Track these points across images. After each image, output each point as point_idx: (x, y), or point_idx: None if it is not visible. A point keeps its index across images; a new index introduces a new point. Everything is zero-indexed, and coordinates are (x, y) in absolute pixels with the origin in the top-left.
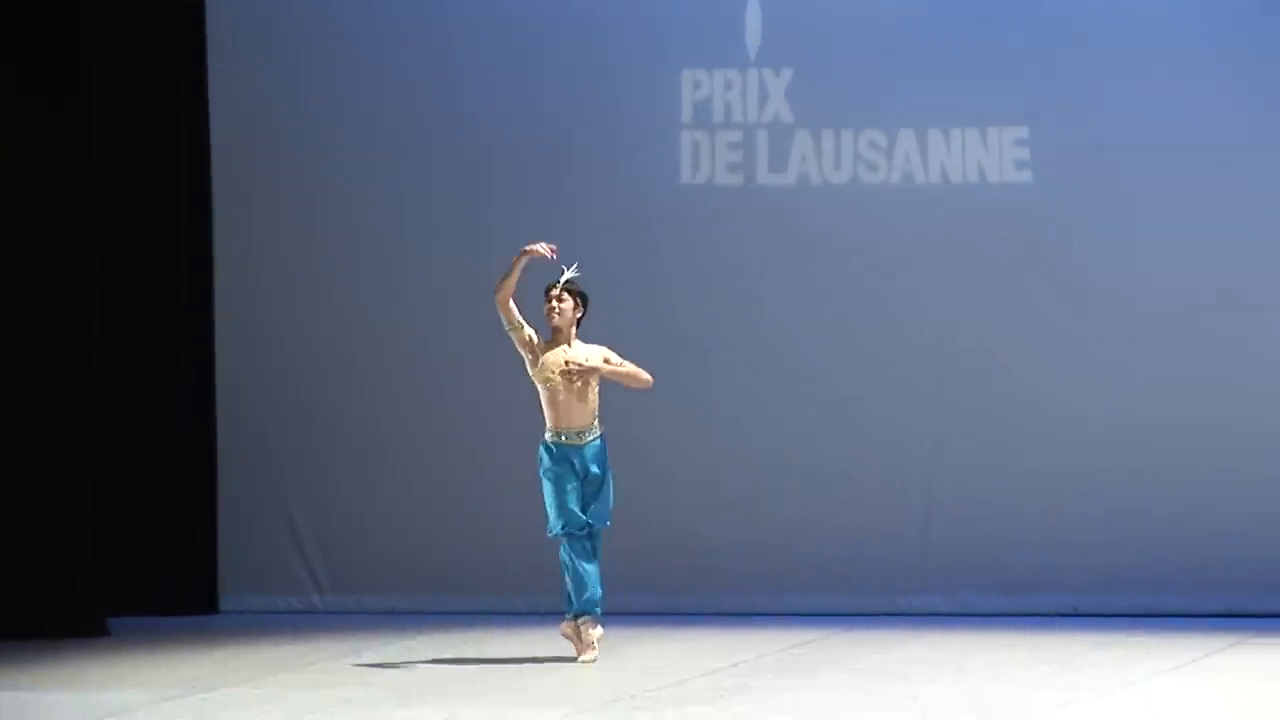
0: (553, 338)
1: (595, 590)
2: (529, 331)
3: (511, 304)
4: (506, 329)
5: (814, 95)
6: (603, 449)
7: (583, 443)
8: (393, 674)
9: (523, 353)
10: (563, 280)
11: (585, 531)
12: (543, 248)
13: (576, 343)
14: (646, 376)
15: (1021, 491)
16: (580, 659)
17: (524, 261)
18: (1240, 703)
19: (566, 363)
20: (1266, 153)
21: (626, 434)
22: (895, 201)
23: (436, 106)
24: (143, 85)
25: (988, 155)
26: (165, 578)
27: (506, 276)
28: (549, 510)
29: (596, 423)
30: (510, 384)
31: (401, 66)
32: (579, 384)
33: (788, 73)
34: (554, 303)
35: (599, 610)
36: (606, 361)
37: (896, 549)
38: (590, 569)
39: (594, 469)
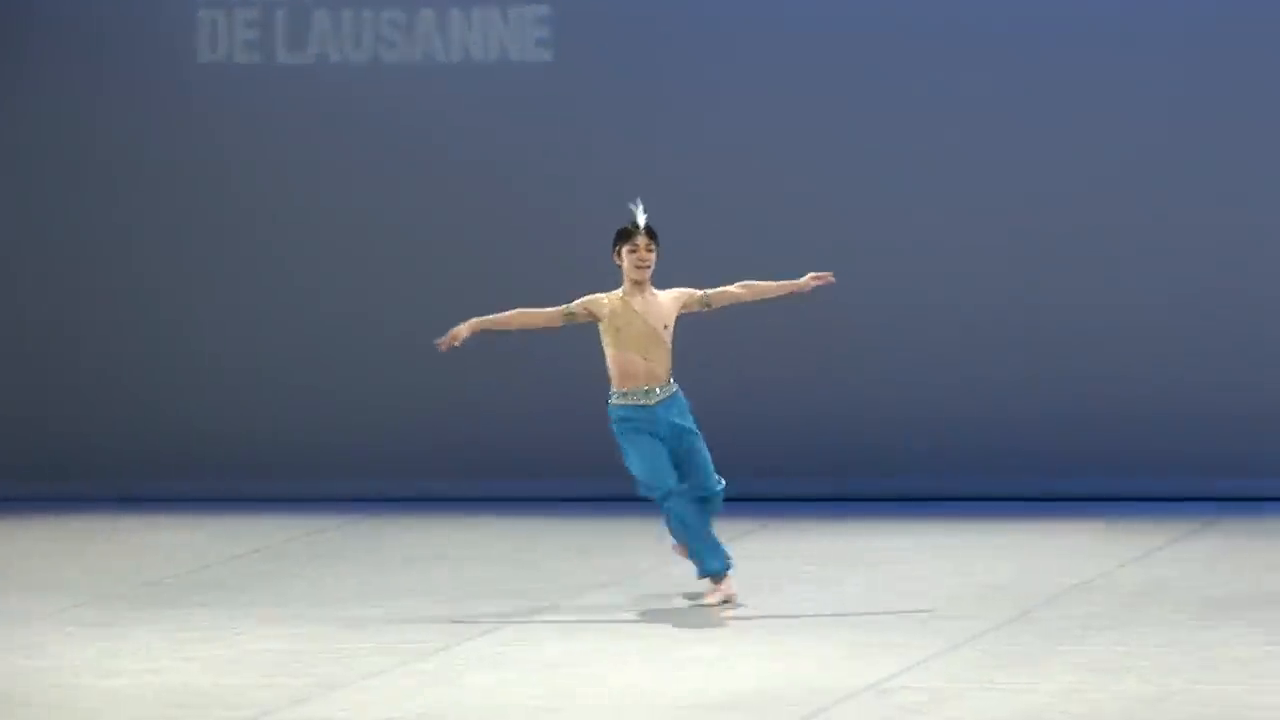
0: (630, 289)
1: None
2: (576, 307)
3: (536, 313)
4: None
5: None
6: (678, 403)
7: (651, 403)
8: None
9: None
10: (644, 223)
11: (684, 487)
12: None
13: (653, 290)
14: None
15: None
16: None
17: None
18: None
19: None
20: None
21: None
22: (417, 80)
23: None
24: None
25: (509, 33)
26: None
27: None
28: (638, 474)
29: (670, 379)
30: (100, 254)
31: None
32: (656, 338)
33: None
34: (642, 253)
35: (719, 568)
36: (699, 297)
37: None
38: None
39: (675, 424)
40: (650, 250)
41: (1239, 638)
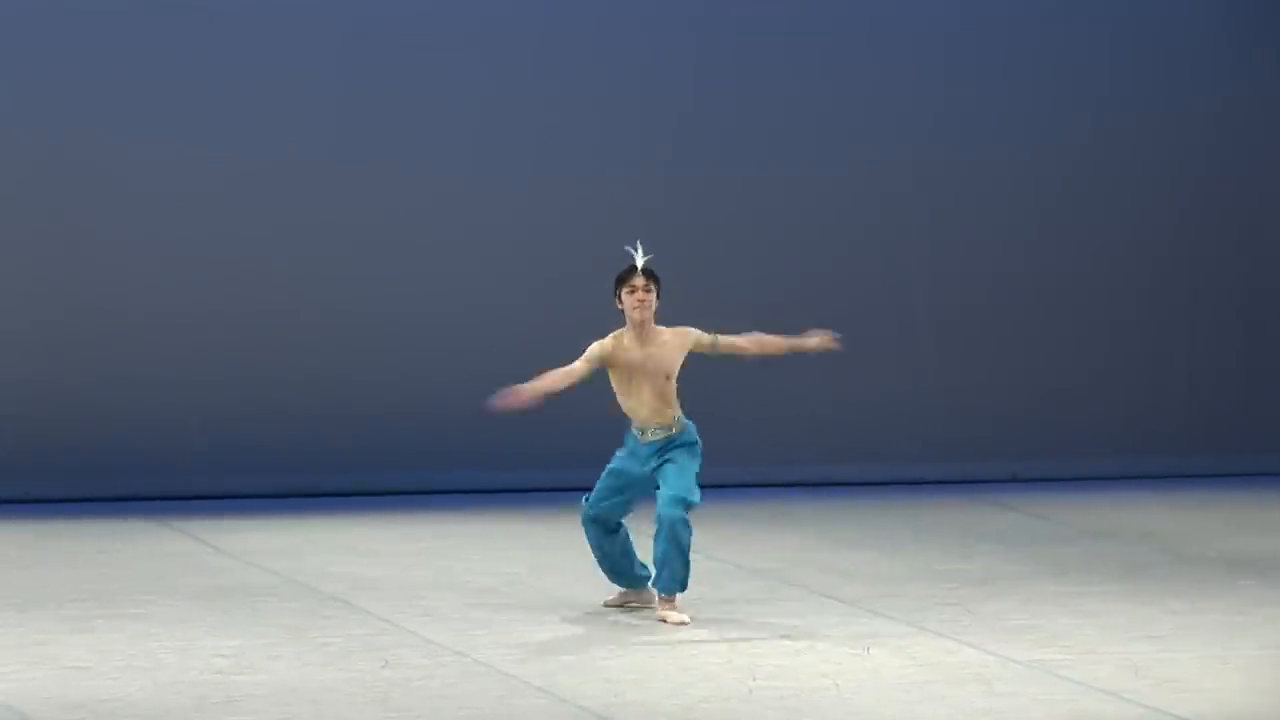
0: (634, 332)
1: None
2: (595, 359)
3: (568, 372)
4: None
5: None
6: (671, 441)
7: (645, 440)
8: None
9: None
10: (642, 264)
11: (603, 522)
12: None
13: (657, 329)
14: (786, 342)
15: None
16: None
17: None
18: None
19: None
20: None
21: None
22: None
23: None
24: None
25: None
26: None
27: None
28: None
29: (675, 419)
30: None
31: None
32: (661, 383)
33: None
34: (640, 294)
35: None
36: (709, 341)
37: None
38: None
39: (659, 450)
40: (649, 291)
41: None
